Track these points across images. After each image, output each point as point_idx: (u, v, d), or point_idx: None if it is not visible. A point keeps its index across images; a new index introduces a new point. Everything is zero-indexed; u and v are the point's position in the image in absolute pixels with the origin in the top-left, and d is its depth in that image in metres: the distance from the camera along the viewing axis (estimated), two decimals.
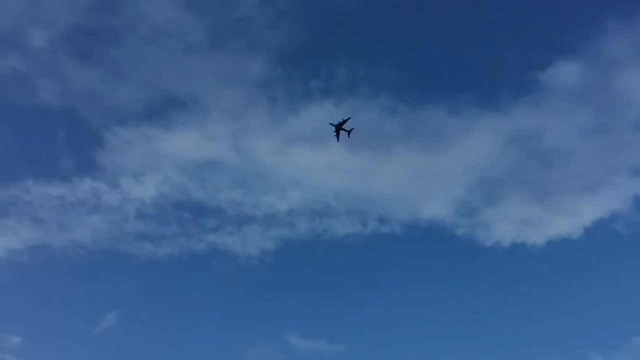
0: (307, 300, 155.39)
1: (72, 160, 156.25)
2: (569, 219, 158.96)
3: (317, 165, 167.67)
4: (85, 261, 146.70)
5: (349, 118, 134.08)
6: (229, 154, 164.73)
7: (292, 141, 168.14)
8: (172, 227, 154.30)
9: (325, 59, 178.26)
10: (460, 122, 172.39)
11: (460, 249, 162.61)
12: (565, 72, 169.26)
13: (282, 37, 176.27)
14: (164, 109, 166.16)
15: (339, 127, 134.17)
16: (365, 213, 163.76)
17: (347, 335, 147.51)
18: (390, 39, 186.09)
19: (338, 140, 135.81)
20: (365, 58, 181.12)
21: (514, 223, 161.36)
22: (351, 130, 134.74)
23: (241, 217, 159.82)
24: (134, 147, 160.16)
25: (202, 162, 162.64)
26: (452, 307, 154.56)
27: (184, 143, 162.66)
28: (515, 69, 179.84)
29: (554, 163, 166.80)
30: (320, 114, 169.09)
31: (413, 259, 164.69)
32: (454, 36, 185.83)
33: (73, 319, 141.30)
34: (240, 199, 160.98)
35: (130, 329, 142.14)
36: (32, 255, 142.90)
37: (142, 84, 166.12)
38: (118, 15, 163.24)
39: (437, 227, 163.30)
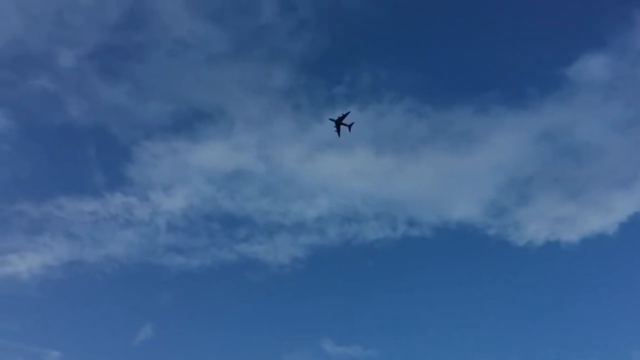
0: (339, 307, 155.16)
1: (103, 176, 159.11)
2: (603, 215, 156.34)
3: (344, 170, 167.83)
4: (119, 275, 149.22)
5: (349, 112, 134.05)
6: (256, 163, 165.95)
7: (318, 148, 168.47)
8: (202, 239, 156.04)
9: (347, 65, 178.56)
10: (487, 121, 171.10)
11: (492, 249, 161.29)
12: (593, 66, 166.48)
13: (304, 45, 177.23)
14: (190, 122, 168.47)
15: (339, 122, 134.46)
16: (394, 217, 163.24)
17: (381, 340, 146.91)
18: (412, 42, 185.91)
19: (339, 135, 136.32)
20: (388, 62, 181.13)
21: (547, 221, 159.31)
22: (352, 124, 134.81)
23: (270, 225, 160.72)
24: (163, 161, 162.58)
25: (230, 172, 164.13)
26: (485, 309, 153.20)
27: (211, 154, 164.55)
28: (541, 65, 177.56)
29: (585, 159, 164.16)
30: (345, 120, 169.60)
31: (444, 261, 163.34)
32: (477, 35, 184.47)
33: (110, 331, 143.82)
34: (268, 207, 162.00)
35: (166, 340, 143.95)
36: (68, 270, 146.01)
37: (167, 98, 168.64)
38: (142, 31, 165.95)
39: (467, 229, 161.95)
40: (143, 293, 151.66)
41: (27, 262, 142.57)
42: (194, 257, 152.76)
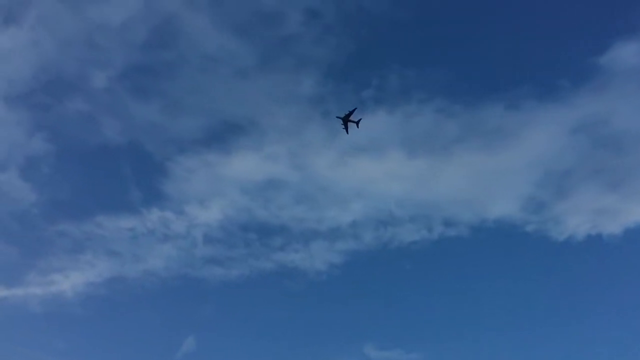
0: (379, 311, 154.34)
1: (140, 192, 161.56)
2: None
3: (377, 174, 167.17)
4: (159, 289, 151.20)
5: (355, 109, 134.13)
6: (289, 171, 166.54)
7: (350, 153, 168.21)
8: (239, 249, 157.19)
9: (375, 68, 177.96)
10: (520, 117, 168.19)
11: (532, 246, 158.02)
12: (627, 53, 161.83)
13: (330, 51, 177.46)
14: (222, 134, 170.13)
15: (346, 120, 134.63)
16: (430, 218, 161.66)
17: (423, 343, 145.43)
18: (439, 41, 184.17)
19: (347, 132, 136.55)
20: (415, 63, 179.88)
21: (588, 214, 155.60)
22: (359, 120, 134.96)
23: (306, 233, 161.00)
24: (197, 174, 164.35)
25: (263, 182, 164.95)
26: (528, 307, 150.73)
27: (244, 165, 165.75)
28: (572, 56, 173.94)
29: (624, 148, 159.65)
30: (375, 123, 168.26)
31: (483, 260, 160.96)
32: (503, 29, 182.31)
33: (153, 346, 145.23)
34: (303, 215, 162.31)
35: (209, 352, 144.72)
36: (110, 286, 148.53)
37: (199, 112, 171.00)
38: (170, 49, 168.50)
39: (505, 226, 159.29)
40: (184, 306, 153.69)
41: (71, 281, 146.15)
42: (232, 267, 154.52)
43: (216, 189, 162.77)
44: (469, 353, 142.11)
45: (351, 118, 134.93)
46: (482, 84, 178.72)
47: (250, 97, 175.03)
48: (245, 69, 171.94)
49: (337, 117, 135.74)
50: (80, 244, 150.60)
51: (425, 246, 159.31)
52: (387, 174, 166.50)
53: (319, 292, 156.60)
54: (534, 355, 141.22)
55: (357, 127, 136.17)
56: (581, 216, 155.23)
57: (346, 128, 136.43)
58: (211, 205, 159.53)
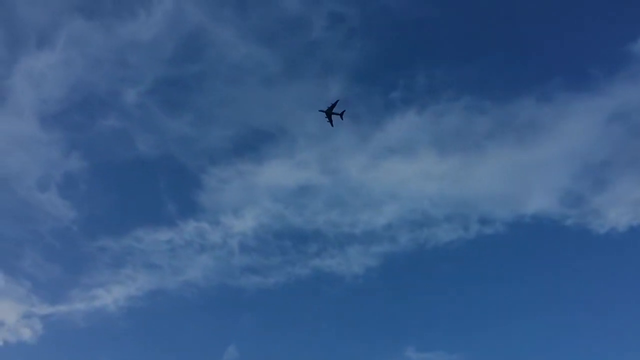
0: (418, 313, 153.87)
1: (175, 205, 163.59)
2: None
3: (410, 174, 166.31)
4: (199, 299, 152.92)
5: (337, 100, 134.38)
6: (321, 177, 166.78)
7: (381, 155, 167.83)
8: (275, 257, 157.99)
9: (401, 69, 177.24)
10: (553, 109, 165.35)
11: (572, 241, 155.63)
12: None
13: (355, 54, 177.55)
14: (253, 143, 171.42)
15: (329, 112, 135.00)
16: (465, 216, 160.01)
17: (464, 343, 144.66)
18: (465, 37, 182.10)
19: (332, 125, 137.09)
20: (442, 61, 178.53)
21: (629, 205, 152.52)
22: (343, 112, 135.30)
23: (341, 237, 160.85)
24: (230, 184, 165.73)
25: (296, 189, 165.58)
26: (571, 304, 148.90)
27: (276, 173, 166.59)
28: (603, 44, 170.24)
29: None
30: (405, 124, 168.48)
31: (523, 257, 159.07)
32: (530, 21, 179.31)
33: (196, 356, 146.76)
34: (337, 219, 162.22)
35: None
36: (151, 299, 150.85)
37: (229, 123, 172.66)
38: (198, 61, 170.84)
39: (544, 221, 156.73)
40: (224, 315, 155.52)
41: (113, 295, 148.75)
42: (269, 275, 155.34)
43: (250, 198, 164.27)
44: (511, 352, 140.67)
45: (334, 110, 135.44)
46: (512, 78, 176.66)
47: (279, 105, 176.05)
48: (272, 77, 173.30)
49: (320, 110, 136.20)
50: (120, 258, 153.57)
51: (462, 245, 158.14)
52: (420, 174, 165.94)
53: (357, 297, 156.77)
54: (580, 353, 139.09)
55: (342, 119, 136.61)
56: (622, 207, 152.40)
57: (330, 121, 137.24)
58: (245, 214, 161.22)
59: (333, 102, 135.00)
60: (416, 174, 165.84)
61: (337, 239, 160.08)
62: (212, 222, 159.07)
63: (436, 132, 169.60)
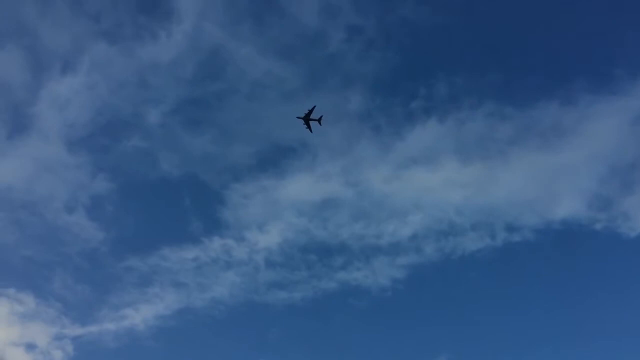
0: (448, 324, 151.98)
1: (200, 222, 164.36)
2: None
3: (433, 184, 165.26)
4: (226, 316, 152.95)
5: (314, 106, 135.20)
6: (344, 190, 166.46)
7: (404, 165, 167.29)
8: (301, 271, 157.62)
9: (421, 78, 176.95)
10: (577, 112, 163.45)
11: (602, 245, 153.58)
12: None
13: (374, 65, 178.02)
14: (275, 158, 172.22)
15: (307, 119, 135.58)
16: (491, 224, 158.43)
17: (497, 353, 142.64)
18: (484, 44, 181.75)
19: (311, 131, 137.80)
20: (462, 68, 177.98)
21: None
22: (320, 117, 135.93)
23: (366, 249, 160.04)
24: (254, 200, 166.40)
25: (319, 202, 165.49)
26: (604, 308, 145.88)
27: (299, 187, 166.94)
28: (627, 44, 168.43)
29: None
30: (426, 134, 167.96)
31: (552, 263, 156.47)
32: (550, 25, 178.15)
33: None
34: (362, 231, 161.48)
35: None
36: (179, 317, 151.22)
37: (250, 139, 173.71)
38: (219, 80, 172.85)
39: (572, 226, 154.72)
40: (252, 331, 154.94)
41: (142, 314, 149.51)
42: (296, 290, 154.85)
43: (273, 213, 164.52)
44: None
45: (312, 117, 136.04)
46: (533, 82, 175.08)
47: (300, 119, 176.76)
48: (292, 91, 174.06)
49: (298, 117, 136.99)
50: (147, 277, 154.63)
51: (489, 254, 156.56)
52: (443, 182, 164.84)
53: (385, 309, 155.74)
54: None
55: (320, 124, 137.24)
56: None
57: (309, 127, 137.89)
58: (270, 229, 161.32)
59: (310, 109, 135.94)
60: (440, 182, 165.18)
61: (363, 251, 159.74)
62: (237, 239, 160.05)
63: (458, 140, 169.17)
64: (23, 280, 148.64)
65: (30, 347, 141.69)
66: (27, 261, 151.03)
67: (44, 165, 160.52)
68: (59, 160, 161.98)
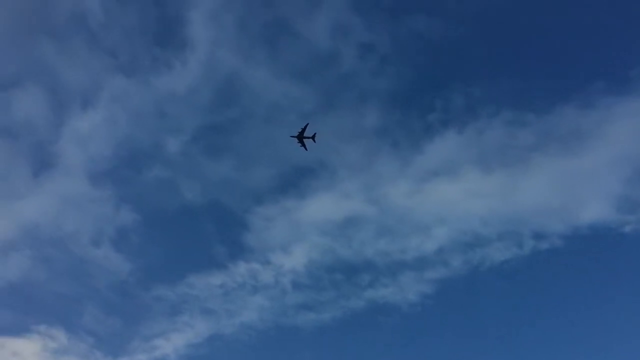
0: (480, 337, 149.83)
1: (225, 248, 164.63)
2: None
3: (456, 196, 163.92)
4: (256, 341, 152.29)
5: (307, 124, 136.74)
6: (366, 207, 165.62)
7: (425, 179, 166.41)
8: (328, 291, 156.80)
9: (437, 91, 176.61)
10: (596, 115, 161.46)
11: (633, 247, 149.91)
12: None
13: (389, 81, 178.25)
14: (295, 180, 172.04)
15: (300, 137, 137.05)
16: (518, 233, 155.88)
17: None
18: (498, 52, 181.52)
19: (306, 149, 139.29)
20: (478, 78, 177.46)
21: None
22: (314, 135, 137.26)
23: (392, 266, 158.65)
24: (276, 222, 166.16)
25: (342, 221, 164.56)
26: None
27: (321, 207, 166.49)
28: None
29: None
30: (445, 145, 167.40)
31: (583, 269, 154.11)
32: (563, 28, 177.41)
33: None
34: (387, 248, 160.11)
35: None
36: (210, 345, 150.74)
37: (270, 162, 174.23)
38: (235, 105, 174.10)
39: (601, 231, 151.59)
40: (283, 354, 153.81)
41: (173, 343, 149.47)
42: (324, 311, 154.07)
43: (297, 234, 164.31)
44: None
45: (305, 134, 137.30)
46: (551, 87, 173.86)
47: (318, 139, 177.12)
48: (308, 112, 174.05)
49: (292, 136, 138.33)
50: (176, 306, 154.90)
51: (518, 263, 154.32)
52: (466, 193, 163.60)
53: (416, 324, 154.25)
54: None
55: (314, 141, 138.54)
56: None
57: (303, 145, 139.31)
58: (294, 251, 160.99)
59: (303, 127, 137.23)
60: (462, 194, 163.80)
61: (389, 268, 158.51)
62: (263, 262, 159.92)
63: (478, 150, 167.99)
64: (54, 316, 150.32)
65: None
66: (57, 297, 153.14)
67: (70, 201, 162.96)
68: (83, 195, 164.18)
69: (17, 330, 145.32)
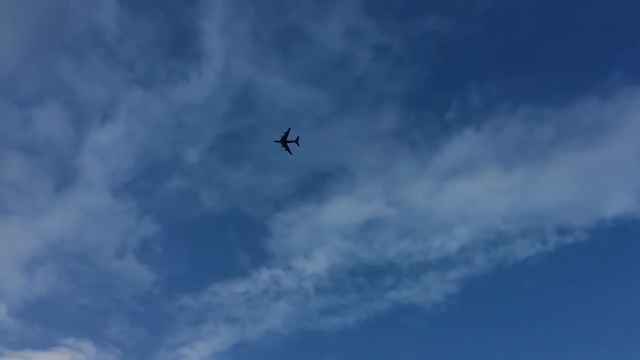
0: (506, 334, 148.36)
1: (247, 256, 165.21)
2: None
3: (477, 194, 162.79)
4: (282, 347, 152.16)
5: (290, 129, 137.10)
6: (386, 209, 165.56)
7: (444, 178, 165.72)
8: (352, 295, 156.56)
9: (453, 90, 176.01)
10: (616, 106, 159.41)
11: None
12: None
13: (405, 82, 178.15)
14: (314, 185, 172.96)
15: (284, 142, 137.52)
16: (541, 229, 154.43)
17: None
18: (513, 48, 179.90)
19: (291, 153, 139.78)
20: (494, 75, 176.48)
21: None
22: (297, 138, 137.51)
23: (415, 267, 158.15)
24: (297, 228, 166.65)
25: (363, 224, 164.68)
26: None
27: (341, 211, 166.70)
28: None
29: None
30: (464, 144, 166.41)
31: (609, 262, 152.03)
32: (579, 19, 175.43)
33: None
34: (409, 249, 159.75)
35: None
36: (235, 353, 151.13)
37: (288, 168, 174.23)
38: (252, 113, 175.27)
39: (627, 223, 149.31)
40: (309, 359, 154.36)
41: (199, 352, 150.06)
42: (349, 314, 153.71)
43: (318, 239, 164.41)
44: None
45: (289, 139, 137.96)
46: (569, 80, 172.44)
47: (335, 143, 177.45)
48: (325, 116, 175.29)
49: (275, 141, 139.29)
50: (201, 315, 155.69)
51: (543, 260, 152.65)
52: (487, 191, 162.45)
53: (441, 325, 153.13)
54: None
55: (298, 145, 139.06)
56: None
57: (288, 150, 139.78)
58: (316, 256, 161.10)
59: (285, 132, 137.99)
60: (483, 192, 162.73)
61: (412, 270, 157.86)
62: (285, 268, 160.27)
63: (498, 147, 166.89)
64: (82, 328, 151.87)
65: None
66: (84, 310, 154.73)
67: (92, 215, 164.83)
68: (106, 208, 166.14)
69: (47, 344, 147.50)
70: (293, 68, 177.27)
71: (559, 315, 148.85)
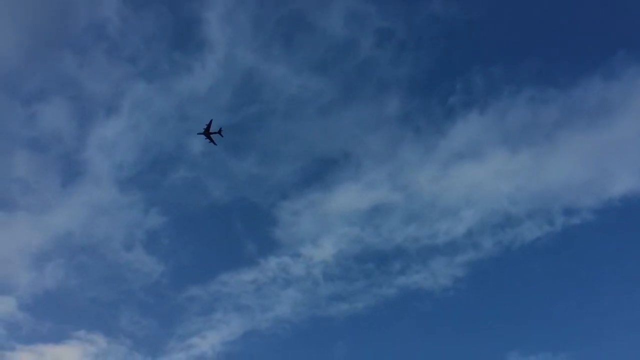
0: (516, 317, 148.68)
1: (254, 244, 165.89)
2: None
3: (482, 177, 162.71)
4: (291, 334, 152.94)
5: (211, 120, 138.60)
6: (392, 194, 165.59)
7: (450, 162, 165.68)
8: (360, 281, 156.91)
9: (456, 74, 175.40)
10: (621, 85, 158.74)
11: None
12: None
13: (408, 67, 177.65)
14: (320, 172, 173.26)
15: (207, 133, 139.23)
16: (548, 210, 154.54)
17: (570, 342, 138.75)
18: (516, 30, 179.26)
19: (215, 144, 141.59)
20: (497, 58, 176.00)
21: None
22: (220, 129, 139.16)
23: (423, 251, 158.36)
24: (303, 216, 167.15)
25: (369, 209, 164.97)
26: None
27: (347, 197, 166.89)
28: None
29: None
30: (469, 127, 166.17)
31: (617, 242, 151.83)
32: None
33: None
34: (416, 234, 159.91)
35: None
36: (245, 341, 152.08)
37: (293, 156, 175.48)
38: (256, 102, 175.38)
39: (634, 202, 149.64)
40: (319, 346, 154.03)
41: (209, 341, 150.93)
42: (357, 300, 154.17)
43: (325, 226, 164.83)
44: (620, 347, 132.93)
45: (211, 130, 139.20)
46: (572, 60, 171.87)
47: (339, 130, 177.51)
48: (329, 103, 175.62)
49: (198, 133, 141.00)
50: (210, 304, 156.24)
51: (550, 241, 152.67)
52: (493, 174, 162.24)
53: (449, 309, 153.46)
54: None
55: (222, 135, 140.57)
56: None
57: (212, 141, 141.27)
58: (324, 242, 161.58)
59: (207, 124, 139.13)
60: (489, 174, 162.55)
61: (419, 254, 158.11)
62: (293, 255, 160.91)
63: (502, 130, 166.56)
64: (92, 321, 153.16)
65: None
66: (94, 302, 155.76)
67: (99, 208, 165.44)
68: (112, 201, 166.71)
69: (58, 337, 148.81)
70: (296, 55, 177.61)
71: (567, 296, 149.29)
